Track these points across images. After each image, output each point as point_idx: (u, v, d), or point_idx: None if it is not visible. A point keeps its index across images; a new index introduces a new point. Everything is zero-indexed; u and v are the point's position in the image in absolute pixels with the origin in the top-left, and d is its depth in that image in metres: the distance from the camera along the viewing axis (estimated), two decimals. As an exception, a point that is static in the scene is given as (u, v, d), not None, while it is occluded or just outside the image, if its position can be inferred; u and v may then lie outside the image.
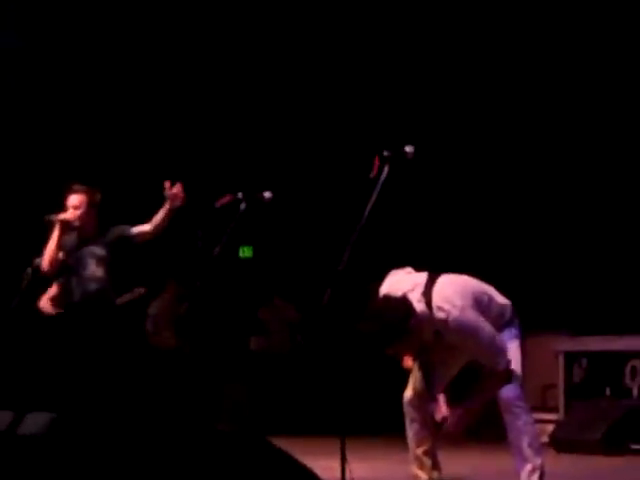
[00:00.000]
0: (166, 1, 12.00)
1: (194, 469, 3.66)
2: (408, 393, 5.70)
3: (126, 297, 7.84)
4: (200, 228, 8.63)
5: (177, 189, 7.23)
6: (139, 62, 12.20)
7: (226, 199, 7.16)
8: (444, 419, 5.46)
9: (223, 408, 10.88)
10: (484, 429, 7.27)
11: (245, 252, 13.05)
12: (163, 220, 7.30)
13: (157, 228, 7.33)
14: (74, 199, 7.25)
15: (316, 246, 11.89)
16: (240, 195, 7.09)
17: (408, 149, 5.70)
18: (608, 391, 9.70)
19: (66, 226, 7.17)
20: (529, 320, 7.47)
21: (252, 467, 3.74)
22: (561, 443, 9.18)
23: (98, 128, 12.24)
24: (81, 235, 7.25)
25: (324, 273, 5.74)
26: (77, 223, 7.21)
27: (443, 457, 5.69)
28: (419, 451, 5.65)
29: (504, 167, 11.47)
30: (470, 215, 11.69)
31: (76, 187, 7.29)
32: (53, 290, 8.79)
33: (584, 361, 9.98)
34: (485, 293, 5.58)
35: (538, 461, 5.45)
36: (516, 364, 5.49)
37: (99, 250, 7.21)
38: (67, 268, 7.27)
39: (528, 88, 11.23)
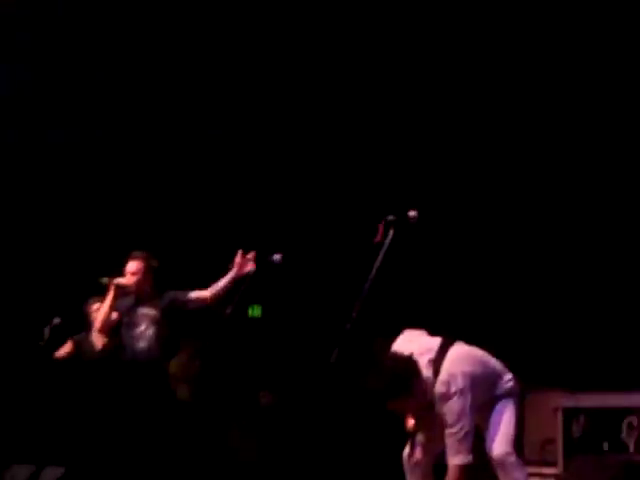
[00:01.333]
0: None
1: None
2: (407, 450, 5.91)
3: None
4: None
5: (250, 256, 7.41)
6: (178, 120, 12.27)
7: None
8: None
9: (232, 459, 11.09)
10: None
11: (254, 311, 13.19)
12: (224, 288, 7.37)
13: (215, 296, 7.38)
14: (132, 266, 7.40)
15: (324, 306, 12.07)
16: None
17: (412, 213, 5.94)
18: (606, 446, 9.88)
19: (121, 290, 7.38)
20: (529, 377, 7.72)
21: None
22: (560, 497, 9.40)
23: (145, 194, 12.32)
24: (138, 297, 7.45)
25: (332, 332, 5.95)
26: (133, 288, 7.40)
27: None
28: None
29: (502, 230, 11.67)
30: (469, 276, 11.90)
31: (135, 254, 7.47)
32: (67, 347, 9.06)
33: (582, 417, 10.19)
34: (491, 368, 5.84)
35: None
36: (509, 427, 5.72)
37: (152, 311, 7.39)
38: (120, 327, 7.49)
39: (535, 147, 11.24)
